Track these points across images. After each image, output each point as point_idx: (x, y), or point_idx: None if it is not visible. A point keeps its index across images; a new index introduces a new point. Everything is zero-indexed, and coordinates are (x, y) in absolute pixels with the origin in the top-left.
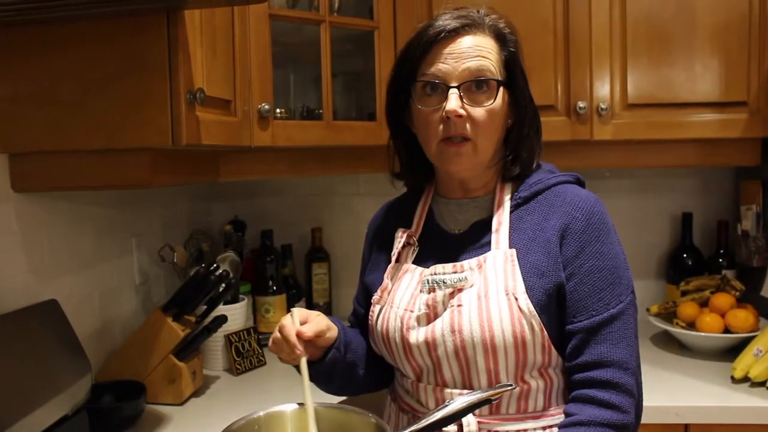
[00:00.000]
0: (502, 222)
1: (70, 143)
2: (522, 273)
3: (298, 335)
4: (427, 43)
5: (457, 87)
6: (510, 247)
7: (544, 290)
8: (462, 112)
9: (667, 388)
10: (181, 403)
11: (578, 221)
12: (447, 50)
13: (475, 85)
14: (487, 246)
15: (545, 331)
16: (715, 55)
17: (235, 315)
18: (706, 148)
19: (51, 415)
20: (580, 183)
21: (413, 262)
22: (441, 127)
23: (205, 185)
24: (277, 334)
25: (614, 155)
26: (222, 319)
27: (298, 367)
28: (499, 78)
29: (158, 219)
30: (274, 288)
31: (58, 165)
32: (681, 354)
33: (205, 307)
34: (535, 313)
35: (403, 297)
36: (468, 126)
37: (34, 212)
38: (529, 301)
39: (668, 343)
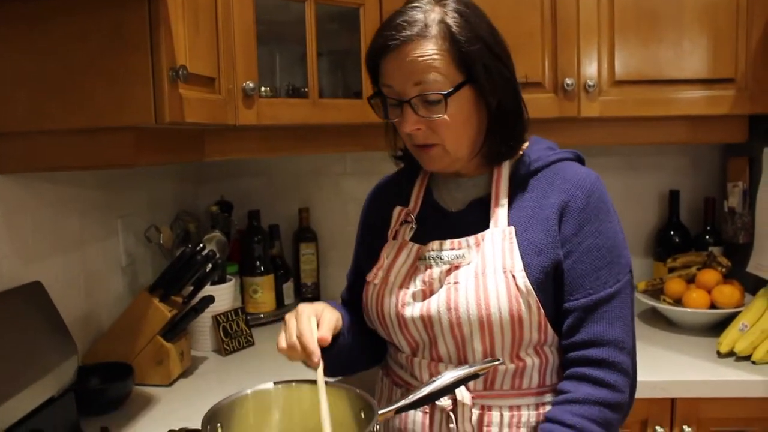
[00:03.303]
0: (500, 200)
1: (52, 123)
2: (520, 251)
3: (320, 343)
4: (376, 56)
5: (409, 102)
6: (509, 224)
7: (541, 268)
8: (416, 128)
9: (654, 364)
10: (169, 384)
11: (578, 199)
12: (394, 65)
13: (425, 98)
14: (485, 224)
15: (542, 310)
16: (704, 32)
17: (223, 295)
18: (694, 125)
19: (37, 396)
20: (580, 160)
21: (411, 240)
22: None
23: (192, 166)
24: (293, 339)
25: (601, 132)
26: (209, 300)
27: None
28: (449, 89)
29: (144, 200)
30: (262, 268)
31: (40, 145)
32: (668, 330)
33: (192, 287)
34: (533, 291)
35: (399, 273)
36: (429, 136)
37: (17, 194)
38: (526, 279)
39: (655, 319)
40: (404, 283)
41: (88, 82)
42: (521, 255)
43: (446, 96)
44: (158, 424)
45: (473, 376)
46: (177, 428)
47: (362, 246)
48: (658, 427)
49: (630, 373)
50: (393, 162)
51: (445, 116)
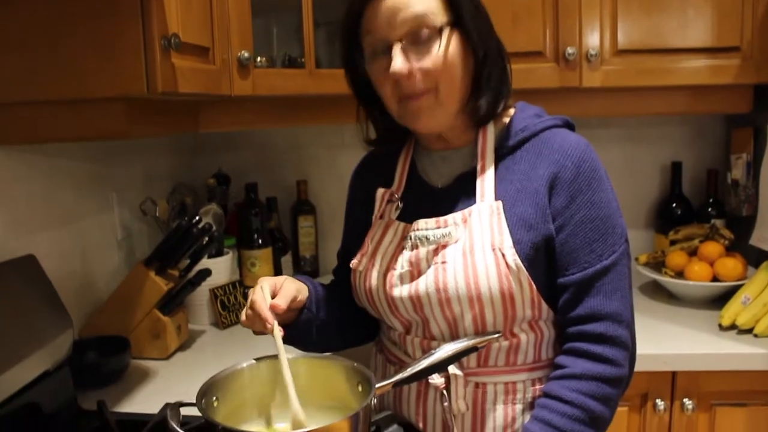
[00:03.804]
0: (486, 173)
1: (42, 93)
2: (509, 226)
3: (273, 309)
4: (361, 4)
5: (399, 42)
6: (496, 199)
7: (532, 244)
8: (409, 69)
9: (655, 337)
10: (167, 357)
11: (568, 169)
12: (381, 7)
13: (416, 36)
14: (472, 199)
15: (534, 286)
16: (708, 0)
17: (220, 268)
18: (697, 95)
19: (31, 370)
20: (570, 126)
21: (397, 218)
22: (395, 87)
23: (188, 138)
24: (247, 310)
25: (603, 103)
26: (206, 273)
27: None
28: (442, 22)
29: (140, 173)
30: (260, 241)
31: (30, 116)
32: (669, 303)
33: (189, 260)
34: (523, 268)
35: (386, 254)
36: (421, 80)
37: (9, 166)
38: (516, 256)
39: (657, 292)
40: (391, 265)
41: (77, 50)
42: (510, 231)
43: (440, 30)
44: (156, 398)
45: (472, 349)
46: (173, 401)
47: (349, 224)
48: (658, 400)
49: (629, 347)
50: (359, 150)
51: (440, 53)
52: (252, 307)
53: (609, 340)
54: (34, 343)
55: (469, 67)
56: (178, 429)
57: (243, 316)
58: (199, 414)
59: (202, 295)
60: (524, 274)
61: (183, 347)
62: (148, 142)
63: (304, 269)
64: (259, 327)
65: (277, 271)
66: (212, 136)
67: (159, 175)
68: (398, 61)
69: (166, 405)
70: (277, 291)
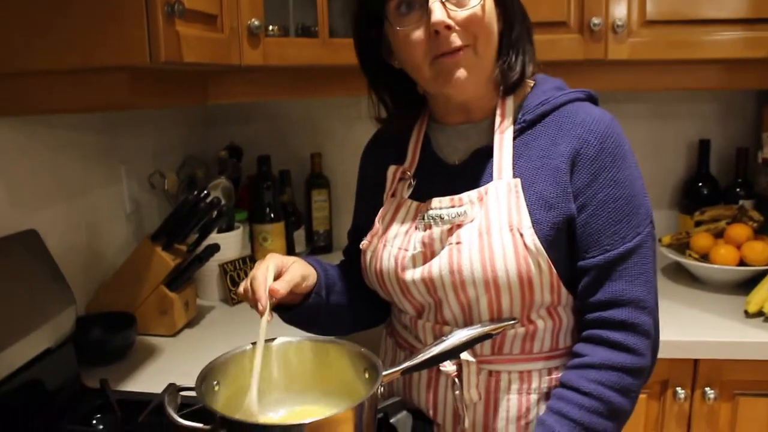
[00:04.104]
0: (504, 149)
1: (43, 62)
2: (528, 205)
3: (271, 293)
4: None
5: None
6: (514, 176)
7: (552, 224)
8: (450, 21)
9: (677, 322)
10: (174, 334)
11: (590, 146)
12: None
13: None
14: (489, 176)
15: (553, 269)
16: None
17: (230, 243)
18: (730, 70)
19: (34, 347)
20: (593, 100)
21: (410, 197)
22: (428, 46)
23: (199, 109)
24: (247, 284)
25: (629, 77)
26: (214, 248)
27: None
28: None
29: (149, 145)
30: (272, 215)
31: (31, 87)
32: (693, 287)
33: (197, 235)
34: (542, 250)
35: (398, 234)
36: (460, 33)
37: (12, 138)
38: (535, 237)
39: (680, 275)
40: (403, 245)
41: (77, 18)
42: (529, 210)
43: None
44: (161, 376)
45: (486, 336)
46: (175, 383)
47: (360, 203)
48: (678, 389)
49: (652, 335)
50: (375, 124)
51: (479, 5)
52: (251, 283)
53: (630, 328)
54: (36, 319)
55: (499, 28)
56: (174, 414)
57: (241, 288)
58: None
59: (211, 270)
60: (543, 256)
61: (191, 324)
62: (158, 113)
63: (317, 244)
64: (252, 304)
65: (290, 246)
66: (224, 107)
67: (169, 147)
68: (437, 13)
69: (169, 385)
70: (283, 272)
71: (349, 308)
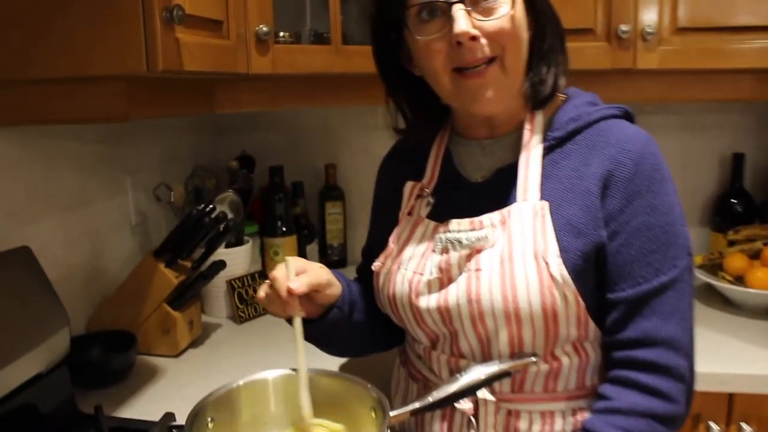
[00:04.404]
0: (531, 168)
1: (36, 71)
2: (555, 231)
3: (289, 291)
4: None
5: (462, 1)
6: (541, 198)
7: (580, 253)
8: (475, 32)
9: (710, 350)
10: (177, 355)
11: (625, 167)
12: None
13: None
14: (513, 197)
15: (581, 301)
16: None
17: (239, 258)
18: (765, 80)
19: (25, 371)
20: (629, 117)
21: (427, 217)
22: (451, 56)
23: (210, 118)
24: (263, 288)
25: (659, 87)
26: (219, 265)
27: (291, 321)
28: None
29: (156, 154)
30: (284, 228)
31: (25, 96)
32: (727, 311)
33: (204, 250)
34: (570, 280)
35: (413, 257)
36: (486, 45)
37: (4, 148)
38: (562, 266)
39: (712, 298)
40: (418, 269)
41: (70, 24)
42: (556, 236)
43: None
44: (162, 400)
45: (504, 374)
46: (180, 406)
47: (375, 219)
48: (712, 423)
49: (686, 379)
50: (393, 135)
51: (508, 13)
52: (272, 284)
53: (663, 370)
54: (27, 342)
55: (530, 36)
56: None
57: (261, 293)
58: None
59: (218, 286)
60: (570, 287)
61: (196, 343)
62: (167, 121)
63: (331, 258)
64: (276, 309)
65: None
66: (236, 116)
67: (178, 157)
68: (462, 22)
69: (165, 416)
70: (302, 274)
71: (368, 328)
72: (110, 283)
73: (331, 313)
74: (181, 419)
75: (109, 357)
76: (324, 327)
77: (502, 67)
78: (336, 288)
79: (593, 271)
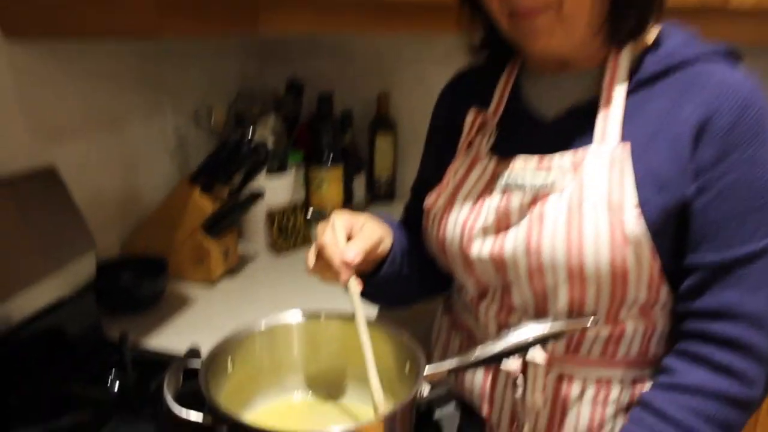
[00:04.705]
0: (612, 107)
1: None
2: (636, 180)
3: (343, 263)
4: None
5: None
6: (622, 140)
7: (662, 207)
8: None
9: None
10: (211, 284)
11: (724, 115)
12: None
13: None
14: (588, 139)
15: (657, 262)
16: None
17: (280, 188)
18: None
19: (47, 293)
20: (734, 57)
21: (489, 152)
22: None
23: (258, 41)
24: (311, 256)
25: (755, 29)
26: (257, 196)
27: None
28: None
29: (199, 77)
30: (330, 159)
31: (53, 7)
32: None
33: (242, 176)
34: (646, 237)
35: (468, 197)
36: None
37: (35, 63)
38: (641, 221)
39: None
40: (473, 211)
41: None
42: (636, 187)
43: None
44: (192, 329)
45: (558, 335)
46: (211, 336)
47: (429, 152)
48: None
49: (767, 360)
50: (469, 54)
51: None
52: (321, 254)
53: (741, 348)
54: (50, 264)
55: None
56: (171, 400)
57: (309, 262)
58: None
59: (258, 215)
60: (646, 245)
61: (231, 273)
62: (210, 43)
63: (378, 193)
64: (329, 277)
65: (348, 194)
66: (285, 41)
67: (222, 81)
68: None
69: (189, 352)
70: (354, 233)
71: (417, 276)
72: (145, 208)
73: (383, 269)
74: (207, 352)
75: (140, 283)
76: (377, 284)
77: (558, 14)
78: (387, 242)
79: (673, 229)
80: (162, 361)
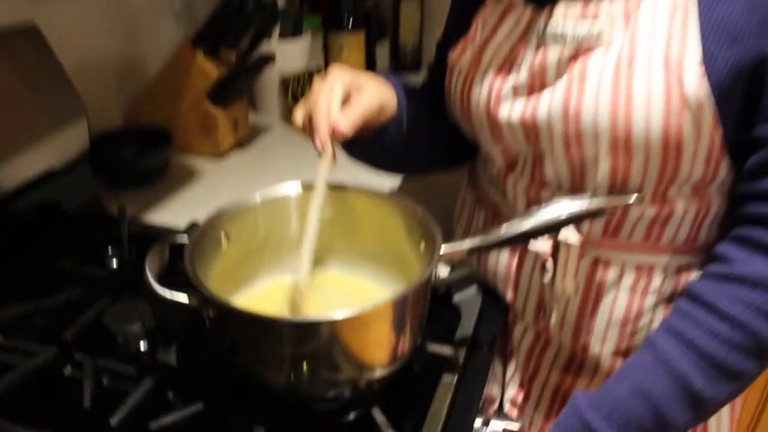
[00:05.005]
0: None
1: None
2: (701, 32)
3: (334, 132)
4: None
5: None
6: None
7: (732, 65)
8: None
9: None
10: (220, 156)
11: None
12: None
13: None
14: None
15: (718, 131)
16: None
17: (294, 53)
18: None
19: (35, 165)
20: None
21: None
22: None
23: None
24: (300, 111)
25: None
26: (265, 60)
27: None
28: None
29: None
30: (351, 23)
31: None
32: None
33: (251, 40)
34: (709, 101)
35: (499, 51)
36: None
37: None
38: (704, 81)
39: None
40: (503, 68)
41: None
42: (701, 40)
43: None
44: (197, 205)
45: (595, 214)
46: (192, 222)
47: (455, 4)
48: None
49: None
50: None
51: None
52: (312, 112)
53: None
54: (36, 131)
55: None
56: (152, 280)
57: (297, 116)
58: None
59: (271, 82)
60: (709, 112)
61: (241, 146)
62: None
63: (403, 61)
64: (312, 140)
65: (370, 62)
66: None
67: None
68: None
69: (190, 226)
70: (352, 96)
71: (431, 143)
72: (148, 76)
73: (385, 134)
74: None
75: (141, 155)
76: (374, 149)
77: None
78: (390, 106)
79: (743, 94)
80: (159, 236)
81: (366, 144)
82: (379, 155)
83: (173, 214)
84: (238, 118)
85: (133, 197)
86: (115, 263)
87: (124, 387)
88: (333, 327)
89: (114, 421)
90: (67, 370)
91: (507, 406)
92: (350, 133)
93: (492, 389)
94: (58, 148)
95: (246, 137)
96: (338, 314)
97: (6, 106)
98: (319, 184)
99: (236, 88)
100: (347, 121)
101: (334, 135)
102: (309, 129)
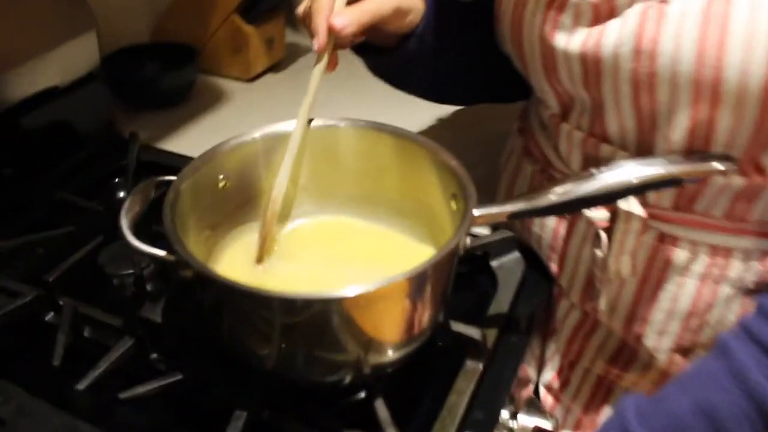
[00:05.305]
0: None
1: None
2: None
3: (330, 29)
4: None
5: None
6: None
7: None
8: None
9: None
10: (251, 79)
11: None
12: None
13: None
14: None
15: None
16: None
17: None
18: None
19: (39, 79)
20: None
21: None
22: None
23: None
24: (301, 8)
25: None
26: None
27: None
28: None
29: None
30: None
31: None
32: None
33: None
34: None
35: None
36: None
37: None
38: None
39: None
40: None
41: None
42: None
43: None
44: (221, 131)
45: (669, 182)
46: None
47: None
48: None
49: None
50: None
51: None
52: (312, 5)
53: None
54: (40, 43)
55: None
56: (127, 231)
57: (300, 8)
58: None
59: None
60: None
61: (276, 68)
62: None
63: None
64: (311, 37)
65: None
66: None
67: None
68: None
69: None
70: None
71: (470, 68)
72: None
73: (406, 45)
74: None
75: (164, 73)
76: (395, 61)
77: None
78: (414, 14)
79: None
80: (169, 165)
81: (381, 55)
82: (400, 71)
83: (197, 140)
84: (274, 37)
85: (153, 121)
86: (122, 195)
87: (105, 341)
88: (334, 306)
89: (81, 386)
90: (49, 316)
91: (542, 391)
92: (349, 34)
93: (527, 369)
94: (63, 63)
95: (282, 59)
96: (341, 292)
97: (8, 14)
98: (311, 89)
99: (269, 3)
100: (346, 19)
101: (330, 31)
102: (308, 26)
